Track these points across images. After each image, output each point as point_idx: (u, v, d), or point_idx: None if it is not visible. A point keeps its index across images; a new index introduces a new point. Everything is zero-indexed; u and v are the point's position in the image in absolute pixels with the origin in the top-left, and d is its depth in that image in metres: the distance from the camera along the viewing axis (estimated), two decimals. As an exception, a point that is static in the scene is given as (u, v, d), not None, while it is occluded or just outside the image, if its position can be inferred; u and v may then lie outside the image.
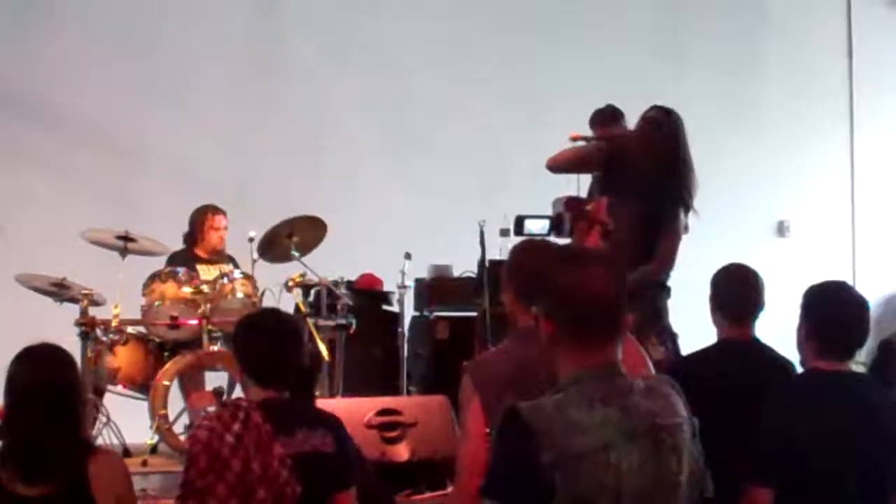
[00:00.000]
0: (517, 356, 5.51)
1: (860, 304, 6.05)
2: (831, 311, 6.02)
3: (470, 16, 14.47)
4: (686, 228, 9.19)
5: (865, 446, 5.77)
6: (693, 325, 8.26)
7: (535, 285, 4.87)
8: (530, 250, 5.99)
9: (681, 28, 14.98)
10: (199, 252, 11.21)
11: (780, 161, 15.19)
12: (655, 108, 9.13)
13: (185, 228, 11.37)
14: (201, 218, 11.35)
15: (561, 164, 9.38)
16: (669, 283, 9.37)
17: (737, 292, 7.12)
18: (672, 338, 8.88)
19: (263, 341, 6.20)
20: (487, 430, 5.32)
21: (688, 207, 9.06)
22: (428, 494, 8.26)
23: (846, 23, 15.87)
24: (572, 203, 9.55)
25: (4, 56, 13.27)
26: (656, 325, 8.44)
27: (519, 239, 9.54)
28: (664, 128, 9.03)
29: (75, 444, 5.92)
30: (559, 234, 9.63)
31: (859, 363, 6.42)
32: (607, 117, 9.68)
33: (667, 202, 8.97)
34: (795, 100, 15.45)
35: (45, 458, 5.75)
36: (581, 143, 9.41)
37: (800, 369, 6.34)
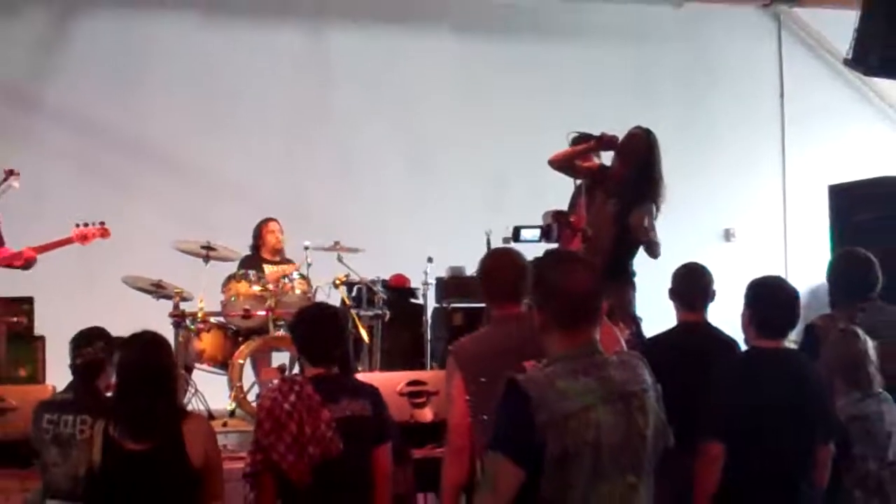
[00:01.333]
0: (491, 339, 5.69)
1: (793, 294, 6.13)
2: (769, 299, 6.06)
3: (480, 70, 14.49)
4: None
5: (798, 407, 5.82)
6: (656, 311, 8.34)
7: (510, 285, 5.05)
8: (494, 258, 6.14)
9: (652, 74, 15.01)
10: (264, 254, 11.23)
11: (727, 180, 15.19)
12: (638, 127, 9.22)
13: (250, 239, 11.43)
14: (260, 228, 11.43)
15: (558, 161, 9.45)
16: (636, 279, 9.47)
17: (692, 285, 7.21)
18: (636, 322, 8.95)
19: (313, 329, 6.31)
20: (467, 398, 5.51)
21: (658, 207, 9.15)
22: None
23: (778, 70, 15.87)
24: (558, 216, 9.61)
25: (109, 104, 13.36)
26: (624, 314, 8.47)
27: (515, 244, 9.71)
28: (644, 142, 9.12)
29: (171, 410, 6.01)
30: (548, 240, 9.67)
31: (791, 341, 6.46)
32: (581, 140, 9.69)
33: (640, 201, 9.06)
34: (739, 131, 15.44)
35: (148, 420, 5.84)
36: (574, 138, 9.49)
37: (744, 347, 6.38)
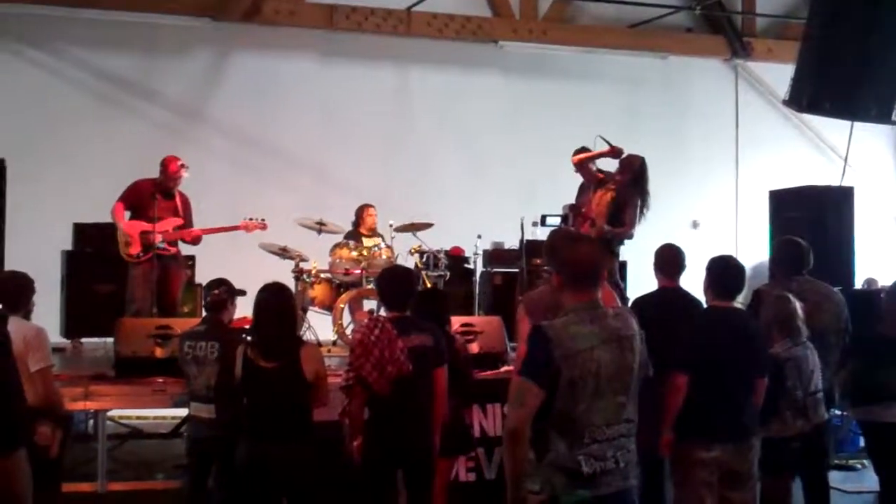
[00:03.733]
0: (547, 295, 5.58)
1: (740, 268, 6.12)
2: (724, 271, 6.04)
3: (519, 102, 14.48)
4: (641, 220, 9.24)
5: (741, 350, 5.81)
6: (640, 280, 8.32)
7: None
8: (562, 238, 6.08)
9: (643, 106, 14.92)
10: (362, 230, 11.18)
11: (695, 185, 15.15)
12: (636, 154, 9.23)
13: (353, 218, 11.41)
14: (361, 210, 11.33)
15: (580, 160, 9.46)
16: (624, 257, 9.50)
17: (669, 259, 7.14)
18: (619, 287, 8.90)
19: (392, 284, 6.32)
20: None
21: (644, 205, 9.10)
22: (489, 372, 8.28)
23: (734, 106, 15.78)
24: (573, 207, 9.62)
25: (252, 119, 13.45)
26: (611, 281, 8.40)
27: (541, 227, 9.76)
28: (640, 161, 9.11)
29: (292, 338, 6.08)
30: (566, 225, 9.68)
31: (739, 303, 6.42)
32: (580, 151, 9.63)
33: (629, 197, 9.02)
34: (705, 150, 15.37)
35: (276, 345, 5.88)
36: (599, 144, 9.49)
37: (705, 305, 6.35)
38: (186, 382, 6.87)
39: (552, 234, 6.43)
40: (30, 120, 12.44)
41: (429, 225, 10.97)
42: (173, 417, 9.61)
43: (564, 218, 9.96)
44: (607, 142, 9.42)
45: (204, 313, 7.38)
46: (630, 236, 9.30)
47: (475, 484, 7.99)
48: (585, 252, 4.53)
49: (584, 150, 9.58)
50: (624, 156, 9.36)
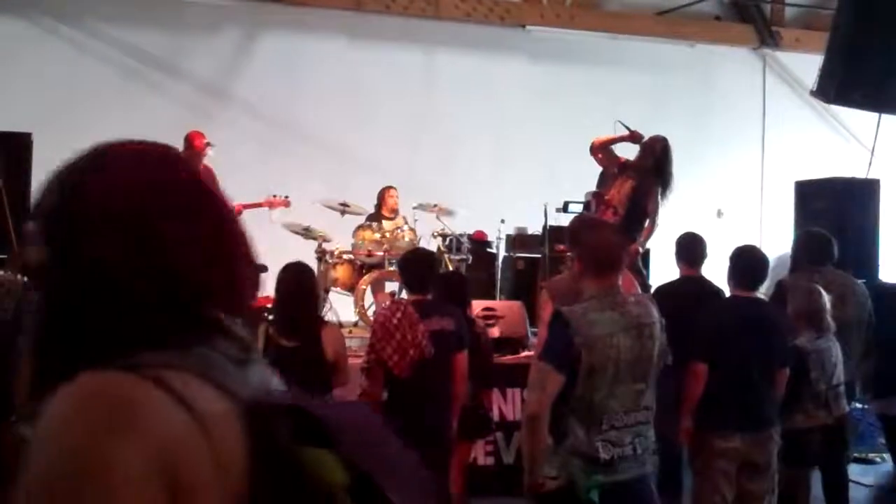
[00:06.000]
0: (571, 281, 5.59)
1: (763, 259, 6.13)
2: (747, 261, 6.05)
3: (546, 87, 14.43)
4: (662, 204, 9.19)
5: (763, 341, 5.81)
6: (663, 268, 8.29)
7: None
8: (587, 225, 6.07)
9: (670, 93, 14.85)
10: (384, 212, 11.20)
11: (720, 174, 15.06)
12: (657, 135, 9.12)
13: (375, 200, 11.41)
14: (383, 192, 11.33)
15: (599, 144, 9.26)
16: (647, 244, 9.45)
17: (691, 248, 7.19)
18: (641, 275, 8.86)
19: (414, 267, 6.33)
20: None
21: (666, 189, 9.03)
22: (509, 357, 8.28)
23: (762, 95, 15.71)
24: (596, 194, 9.57)
25: (279, 99, 13.43)
26: (632, 268, 8.38)
27: (564, 213, 9.69)
28: (662, 144, 9.02)
29: (313, 318, 6.11)
30: (588, 211, 9.64)
31: (762, 293, 6.41)
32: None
33: (650, 185, 8.95)
34: (731, 140, 15.30)
35: (297, 324, 5.91)
36: (619, 130, 9.38)
37: (727, 294, 6.36)
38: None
39: (574, 220, 6.44)
40: (57, 95, 12.47)
41: (450, 212, 10.98)
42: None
43: (587, 205, 9.92)
44: (626, 127, 9.36)
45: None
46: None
47: (493, 468, 8.03)
48: (606, 239, 4.55)
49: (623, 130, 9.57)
50: (645, 139, 9.29)
